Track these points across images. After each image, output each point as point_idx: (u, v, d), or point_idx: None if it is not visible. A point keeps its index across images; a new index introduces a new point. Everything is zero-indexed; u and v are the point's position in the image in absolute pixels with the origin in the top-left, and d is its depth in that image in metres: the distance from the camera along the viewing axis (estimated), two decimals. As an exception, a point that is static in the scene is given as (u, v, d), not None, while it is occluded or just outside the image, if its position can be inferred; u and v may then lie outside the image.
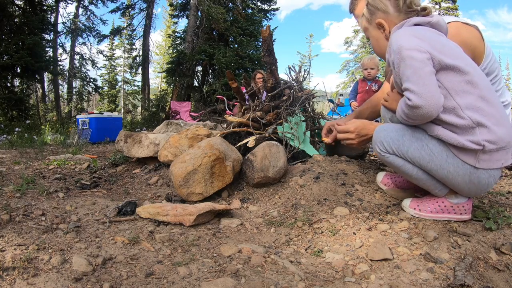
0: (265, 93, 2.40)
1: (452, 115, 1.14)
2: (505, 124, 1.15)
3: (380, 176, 1.67)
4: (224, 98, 5.90)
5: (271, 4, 14.00)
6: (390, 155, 1.28)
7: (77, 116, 6.54)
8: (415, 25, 1.25)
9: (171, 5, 15.57)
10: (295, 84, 2.46)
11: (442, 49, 1.16)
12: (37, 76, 10.35)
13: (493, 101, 1.16)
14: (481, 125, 1.12)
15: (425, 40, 1.16)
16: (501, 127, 1.13)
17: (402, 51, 1.15)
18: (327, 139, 1.88)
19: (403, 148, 1.24)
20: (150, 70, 18.24)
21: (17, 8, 9.95)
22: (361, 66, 4.39)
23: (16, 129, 5.90)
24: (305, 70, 2.63)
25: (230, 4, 11.99)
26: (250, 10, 12.91)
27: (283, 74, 4.27)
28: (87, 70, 15.74)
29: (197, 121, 6.65)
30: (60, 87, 15.42)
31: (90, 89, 15.55)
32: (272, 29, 12.55)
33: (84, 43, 14.93)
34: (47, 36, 11.08)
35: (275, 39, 8.79)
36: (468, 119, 1.12)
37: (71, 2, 13.39)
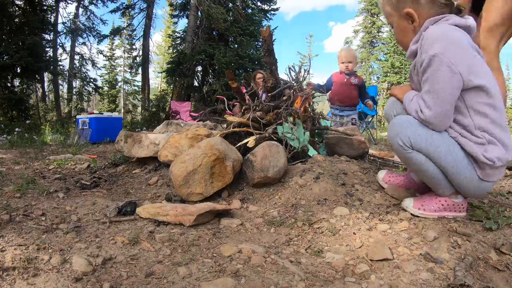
0: (265, 93, 2.40)
1: (466, 132, 1.20)
2: (511, 147, 1.21)
3: (382, 174, 1.67)
4: (224, 98, 5.88)
5: (271, 4, 13.97)
6: (413, 151, 1.23)
7: (77, 116, 6.53)
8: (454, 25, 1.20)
9: (171, 5, 15.55)
10: (295, 84, 2.46)
11: (473, 68, 1.15)
12: (37, 76, 10.33)
13: (504, 125, 1.21)
14: (492, 143, 1.18)
15: (461, 55, 1.14)
16: (508, 149, 1.20)
17: (435, 62, 1.13)
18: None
19: (431, 148, 1.21)
20: (150, 70, 18.22)
21: (17, 8, 9.93)
22: (337, 58, 3.99)
23: (16, 129, 5.88)
24: (305, 70, 2.63)
25: (230, 4, 11.97)
26: (250, 10, 12.89)
27: (283, 74, 4.25)
28: (87, 70, 15.71)
29: (197, 121, 6.64)
30: (60, 87, 15.42)
31: (90, 89, 15.51)
32: (272, 29, 12.54)
33: (84, 43, 14.90)
34: (47, 36, 11.07)
35: (275, 39, 8.77)
36: (482, 138, 1.18)
37: (71, 2, 13.37)
